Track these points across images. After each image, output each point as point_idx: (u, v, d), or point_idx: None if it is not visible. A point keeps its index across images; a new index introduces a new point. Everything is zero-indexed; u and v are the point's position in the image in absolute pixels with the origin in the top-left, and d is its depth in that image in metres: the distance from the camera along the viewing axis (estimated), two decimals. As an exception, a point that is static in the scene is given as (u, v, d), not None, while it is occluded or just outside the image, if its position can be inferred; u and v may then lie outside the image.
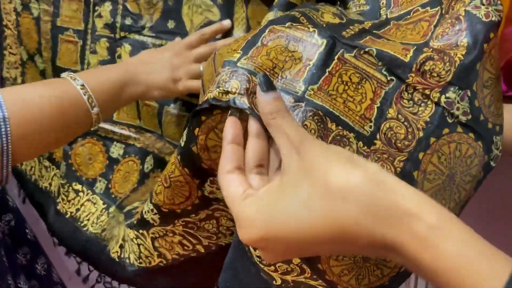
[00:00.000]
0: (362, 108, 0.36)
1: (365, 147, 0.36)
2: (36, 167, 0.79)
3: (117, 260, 0.62)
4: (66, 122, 0.48)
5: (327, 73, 0.37)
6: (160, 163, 0.70)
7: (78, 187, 0.75)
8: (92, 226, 0.70)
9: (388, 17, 0.44)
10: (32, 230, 0.74)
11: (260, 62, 0.37)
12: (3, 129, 0.41)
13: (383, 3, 0.45)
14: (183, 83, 0.59)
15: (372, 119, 0.36)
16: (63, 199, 0.75)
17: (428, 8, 0.41)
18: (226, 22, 0.60)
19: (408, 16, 0.42)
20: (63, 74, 0.50)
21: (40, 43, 0.72)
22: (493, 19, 0.37)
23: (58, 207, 0.74)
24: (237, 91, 0.35)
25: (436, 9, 0.40)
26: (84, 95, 0.49)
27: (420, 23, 0.40)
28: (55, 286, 0.75)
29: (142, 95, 0.57)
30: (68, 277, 0.84)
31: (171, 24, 0.66)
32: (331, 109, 0.36)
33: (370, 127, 0.36)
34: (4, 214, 0.67)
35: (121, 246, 0.61)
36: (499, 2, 0.38)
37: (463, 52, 0.36)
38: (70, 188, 0.75)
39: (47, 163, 0.77)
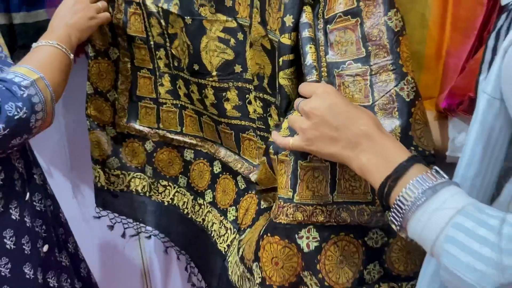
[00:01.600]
0: None
1: None
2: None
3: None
4: (64, 68, 0.74)
5: None
6: (226, 168, 0.88)
7: (165, 183, 1.00)
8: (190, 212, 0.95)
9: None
10: (63, 214, 0.92)
11: None
12: (48, 85, 0.69)
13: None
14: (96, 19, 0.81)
15: None
16: (154, 193, 1.01)
17: (359, 64, 0.54)
18: None
19: (344, 66, 0.56)
20: (42, 42, 0.75)
21: (117, 79, 0.95)
22: (412, 98, 0.52)
23: (152, 199, 1.01)
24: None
25: (365, 67, 0.53)
26: (63, 48, 0.74)
27: (358, 78, 0.54)
28: (81, 263, 0.95)
29: (76, 34, 0.79)
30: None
31: (196, 67, 0.81)
32: None
33: None
34: (46, 200, 0.84)
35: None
36: (413, 81, 0.50)
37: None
38: (159, 184, 1.00)
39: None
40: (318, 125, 0.49)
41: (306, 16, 0.58)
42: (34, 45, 0.74)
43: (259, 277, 0.62)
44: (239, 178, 0.84)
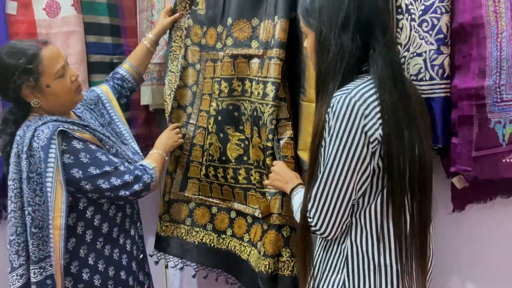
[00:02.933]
0: None
1: None
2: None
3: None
4: (164, 164, 1.46)
5: None
6: (239, 213, 1.53)
7: (198, 229, 1.67)
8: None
9: None
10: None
11: None
12: (158, 170, 1.38)
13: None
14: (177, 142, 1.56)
15: None
16: (190, 236, 1.65)
17: None
18: None
19: None
20: (154, 151, 1.48)
21: (176, 167, 1.66)
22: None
23: (187, 240, 1.66)
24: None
25: None
26: (164, 154, 1.49)
27: None
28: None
29: (167, 149, 1.54)
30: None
31: (223, 158, 1.52)
32: None
33: None
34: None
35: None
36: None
37: None
38: (193, 230, 1.66)
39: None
40: (275, 176, 1.23)
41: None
42: (150, 152, 1.46)
43: (263, 251, 1.32)
44: (248, 217, 1.51)
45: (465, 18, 1.12)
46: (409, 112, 0.92)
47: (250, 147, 1.47)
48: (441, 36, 1.14)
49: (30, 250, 1.19)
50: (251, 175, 1.48)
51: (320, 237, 1.04)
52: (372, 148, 0.90)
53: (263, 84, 1.37)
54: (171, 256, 1.70)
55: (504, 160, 1.06)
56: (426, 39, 1.16)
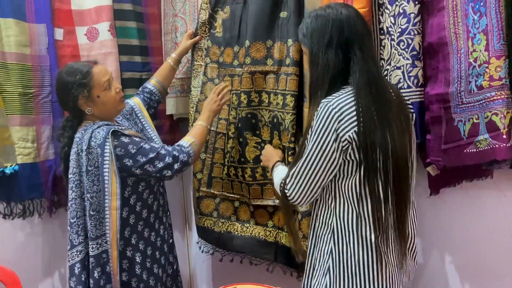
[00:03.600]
0: None
1: None
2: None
3: None
4: (206, 134, 1.68)
5: None
6: (257, 206, 1.81)
7: (224, 220, 1.90)
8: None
9: None
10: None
11: None
12: (196, 143, 1.60)
13: None
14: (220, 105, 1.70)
15: None
16: (217, 226, 1.92)
17: None
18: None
19: None
20: (197, 122, 1.72)
21: (203, 167, 1.93)
22: None
23: (215, 230, 1.94)
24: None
25: None
26: (204, 124, 1.67)
27: None
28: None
29: (212, 114, 1.71)
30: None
31: (242, 159, 1.81)
32: None
33: None
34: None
35: None
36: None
37: None
38: (219, 221, 1.93)
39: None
40: (263, 157, 1.55)
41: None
42: (194, 124, 1.69)
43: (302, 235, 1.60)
44: (268, 207, 1.77)
45: (432, 38, 1.41)
46: (383, 113, 1.16)
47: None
48: (415, 52, 1.42)
49: (88, 229, 1.48)
50: (267, 171, 1.74)
51: (313, 212, 1.31)
52: (343, 146, 1.14)
53: (282, 96, 1.66)
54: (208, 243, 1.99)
55: (465, 151, 1.32)
56: (403, 55, 1.44)
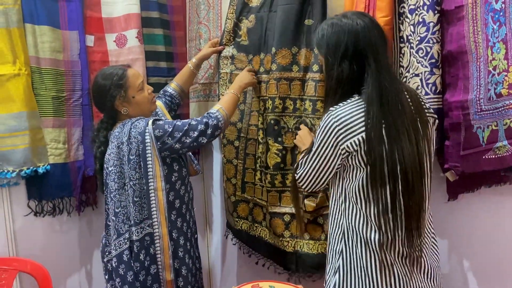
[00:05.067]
0: None
1: None
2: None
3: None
4: (235, 103, 1.77)
5: None
6: (273, 214, 1.84)
7: (256, 225, 1.95)
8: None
9: None
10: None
11: None
12: (224, 109, 1.68)
13: None
14: (252, 80, 1.81)
15: None
16: (251, 230, 1.97)
17: None
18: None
19: None
20: (228, 91, 1.77)
21: (236, 173, 1.97)
22: None
23: (250, 234, 1.99)
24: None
25: None
26: (235, 93, 1.76)
27: None
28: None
29: (243, 86, 1.81)
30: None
31: (264, 165, 1.86)
32: None
33: None
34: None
35: None
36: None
37: None
38: (253, 225, 1.97)
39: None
40: (298, 138, 1.54)
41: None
42: (225, 92, 1.78)
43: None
44: (285, 216, 1.81)
45: (452, 47, 1.44)
46: (393, 125, 1.15)
47: (287, 155, 1.79)
48: (433, 60, 1.46)
49: (132, 215, 1.58)
50: (287, 178, 1.78)
51: (329, 213, 1.35)
52: (342, 154, 1.21)
53: (311, 102, 1.71)
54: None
55: (484, 157, 1.34)
56: (422, 63, 1.47)
